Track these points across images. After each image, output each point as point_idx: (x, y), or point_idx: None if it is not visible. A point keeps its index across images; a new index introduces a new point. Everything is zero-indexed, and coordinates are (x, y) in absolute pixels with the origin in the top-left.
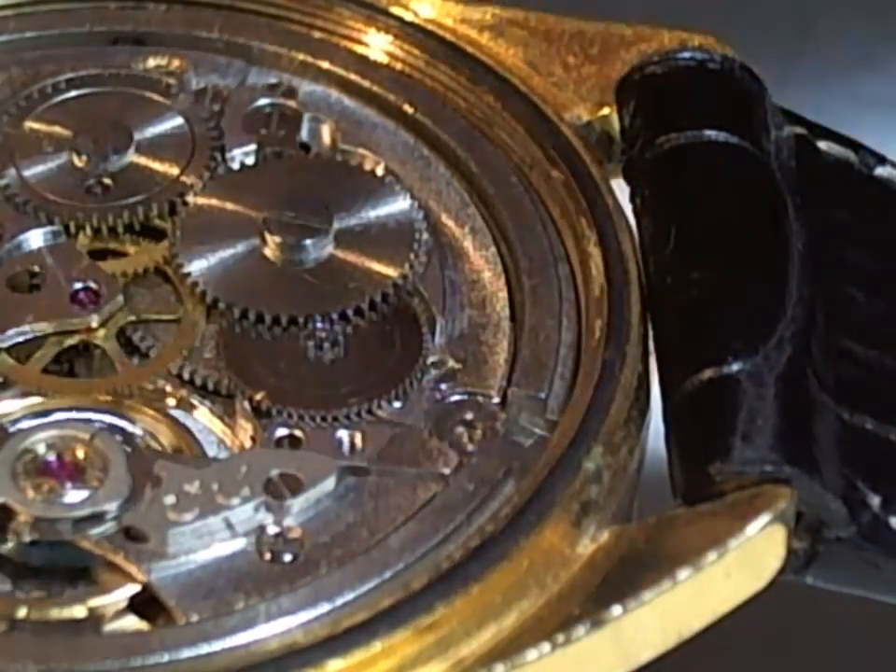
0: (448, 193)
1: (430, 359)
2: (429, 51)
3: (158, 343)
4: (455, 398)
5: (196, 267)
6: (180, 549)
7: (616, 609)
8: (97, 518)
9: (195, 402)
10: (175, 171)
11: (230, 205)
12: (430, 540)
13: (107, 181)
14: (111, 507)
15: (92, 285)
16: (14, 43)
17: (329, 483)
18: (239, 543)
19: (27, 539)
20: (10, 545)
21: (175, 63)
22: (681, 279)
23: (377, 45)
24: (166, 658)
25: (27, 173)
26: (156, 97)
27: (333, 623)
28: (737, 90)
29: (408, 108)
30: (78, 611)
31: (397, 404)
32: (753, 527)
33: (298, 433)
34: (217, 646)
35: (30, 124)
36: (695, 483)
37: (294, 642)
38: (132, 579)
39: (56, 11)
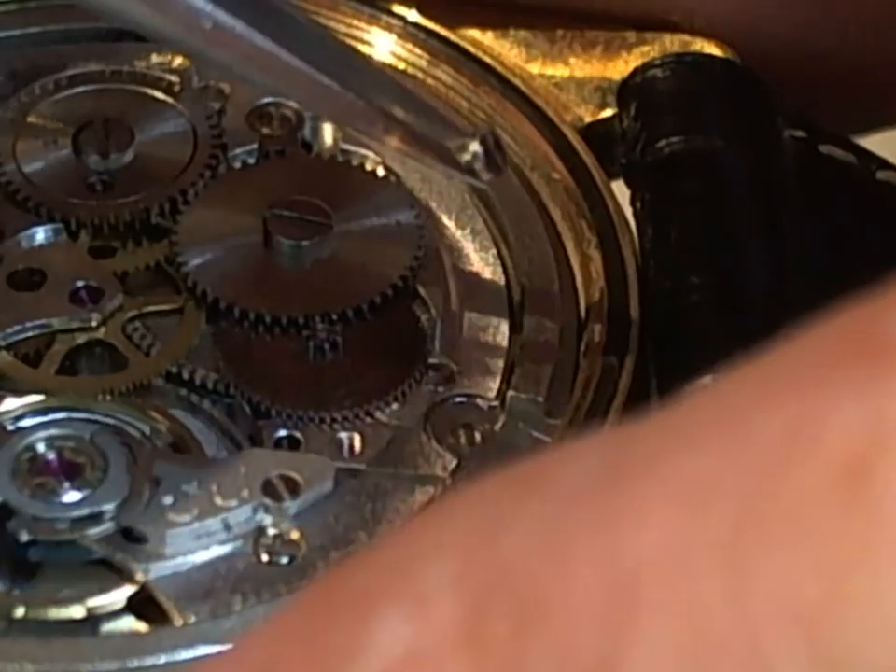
0: (449, 194)
1: (429, 361)
2: (431, 51)
3: (157, 343)
4: (454, 400)
5: (196, 266)
6: (178, 550)
7: None
8: (95, 518)
9: (195, 402)
10: (176, 169)
11: (231, 204)
12: None
13: (109, 179)
14: (109, 507)
15: (93, 283)
16: (17, 39)
17: (328, 485)
18: (237, 545)
19: (25, 538)
20: (8, 544)
21: (178, 60)
22: (681, 283)
23: (379, 44)
24: (163, 659)
25: (28, 169)
26: (158, 95)
27: None
28: (739, 93)
29: None
30: (76, 611)
31: (395, 406)
32: None
33: (297, 434)
34: (214, 647)
35: (32, 120)
36: None
37: None
38: (130, 579)
39: (59, 7)
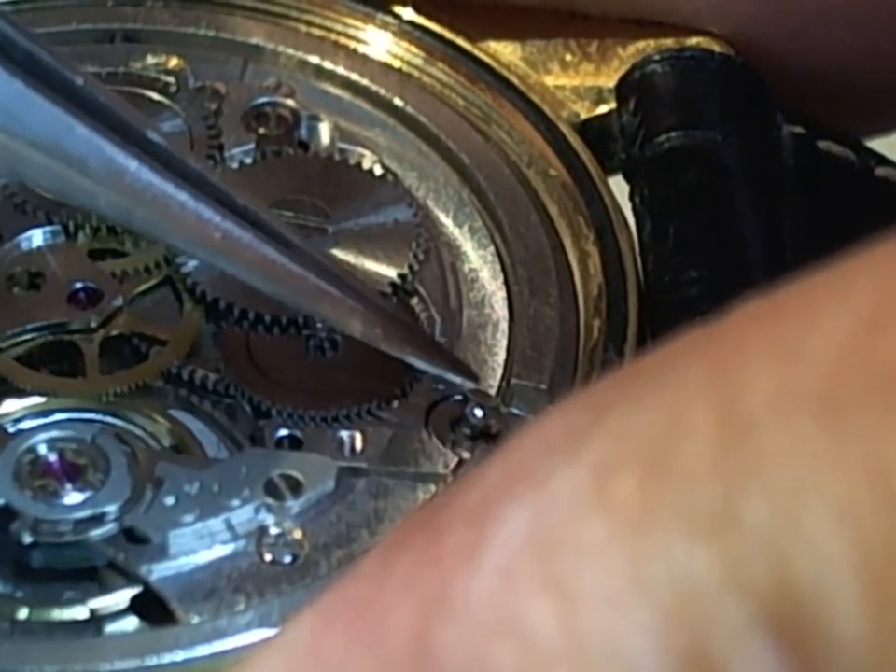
0: (446, 192)
1: None
2: (427, 49)
3: (157, 344)
4: (455, 398)
5: (196, 267)
6: (181, 550)
7: None
8: (98, 519)
9: (195, 402)
10: None
11: None
12: None
13: None
14: (112, 508)
15: (91, 284)
16: None
17: (329, 484)
18: (240, 544)
19: (27, 540)
20: (11, 546)
21: (173, 61)
22: (680, 278)
23: (375, 43)
24: (167, 659)
25: None
26: (154, 96)
27: None
28: (737, 89)
29: (406, 107)
30: (80, 612)
31: (396, 404)
32: None
33: (298, 434)
34: (217, 647)
35: None
36: None
37: None
38: (133, 580)
39: (54, 9)
